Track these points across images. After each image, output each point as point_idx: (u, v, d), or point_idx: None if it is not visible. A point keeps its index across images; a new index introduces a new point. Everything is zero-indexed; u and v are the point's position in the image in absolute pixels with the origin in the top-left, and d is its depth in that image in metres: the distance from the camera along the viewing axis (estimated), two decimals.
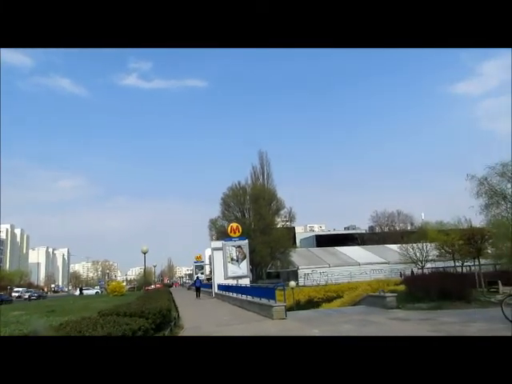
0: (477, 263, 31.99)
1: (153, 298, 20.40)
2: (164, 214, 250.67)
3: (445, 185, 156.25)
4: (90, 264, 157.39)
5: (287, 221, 57.96)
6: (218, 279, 27.87)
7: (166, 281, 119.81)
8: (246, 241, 26.50)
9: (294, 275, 51.98)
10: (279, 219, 58.12)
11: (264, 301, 16.45)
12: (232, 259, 25.48)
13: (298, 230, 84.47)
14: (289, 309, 33.03)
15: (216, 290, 29.81)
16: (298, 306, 33.34)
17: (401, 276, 47.32)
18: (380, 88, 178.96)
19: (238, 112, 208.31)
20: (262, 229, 53.51)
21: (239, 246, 25.53)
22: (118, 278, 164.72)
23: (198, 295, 32.16)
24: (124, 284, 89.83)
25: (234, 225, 26.87)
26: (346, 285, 40.11)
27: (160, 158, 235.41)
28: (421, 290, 16.75)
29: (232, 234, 26.09)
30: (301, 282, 49.73)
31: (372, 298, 16.78)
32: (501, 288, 20.66)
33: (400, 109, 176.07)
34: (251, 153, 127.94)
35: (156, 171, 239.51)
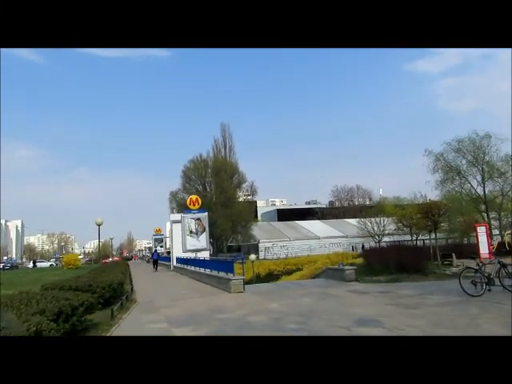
0: (432, 237, 33.00)
1: (106, 271, 19.51)
2: (125, 187, 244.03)
3: (402, 161, 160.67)
4: (45, 237, 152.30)
5: (249, 194, 57.57)
6: (177, 252, 27.13)
7: (126, 254, 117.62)
8: (206, 213, 25.68)
9: (255, 249, 51.99)
10: (241, 193, 57.63)
11: (222, 274, 15.92)
12: (191, 232, 24.68)
13: (260, 204, 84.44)
14: (248, 282, 32.86)
15: (175, 263, 29.10)
16: (258, 279, 33.31)
17: (353, 249, 48.44)
18: (341, 65, 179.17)
19: (202, 84, 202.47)
20: (224, 202, 52.82)
21: (198, 219, 24.69)
22: (76, 251, 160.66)
23: (155, 268, 32.20)
24: (81, 257, 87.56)
25: (194, 197, 25.92)
26: (306, 258, 40.46)
27: (121, 130, 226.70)
28: (379, 263, 16.73)
29: (191, 207, 25.15)
30: (261, 255, 49.86)
31: (331, 271, 16.61)
32: (454, 261, 21.09)
33: (361, 86, 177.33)
34: (214, 127, 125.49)
35: (117, 144, 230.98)
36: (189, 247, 24.59)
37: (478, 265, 11.05)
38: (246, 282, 32.55)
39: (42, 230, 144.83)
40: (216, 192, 53.13)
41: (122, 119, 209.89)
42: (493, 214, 39.14)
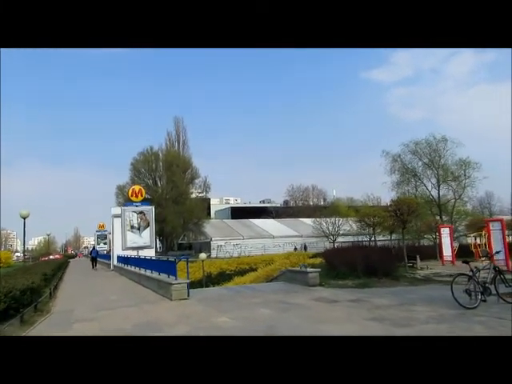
0: (394, 238, 31.68)
1: (28, 272, 16.23)
2: (73, 183, 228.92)
3: (355, 164, 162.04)
4: None
5: (202, 191, 54.56)
6: (118, 250, 23.85)
7: (70, 251, 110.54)
8: (151, 207, 22.44)
9: (207, 247, 49.25)
10: (194, 189, 54.55)
11: (163, 277, 13.12)
12: (132, 227, 21.40)
13: (214, 202, 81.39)
14: (198, 282, 30.34)
15: (115, 262, 25.74)
16: (209, 279, 30.67)
17: (295, 250, 47.02)
18: (301, 69, 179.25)
19: (156, 77, 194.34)
20: (175, 198, 49.66)
21: (141, 212, 21.45)
22: (18, 248, 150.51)
23: (93, 266, 30.62)
24: (19, 254, 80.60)
25: (137, 187, 22.56)
26: (260, 257, 38.27)
27: (69, 124, 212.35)
28: (344, 265, 14.57)
29: (133, 199, 21.80)
30: (213, 253, 47.20)
31: (291, 273, 14.24)
32: (419, 263, 19.48)
33: (319, 90, 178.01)
34: (168, 122, 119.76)
35: (65, 137, 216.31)
36: (129, 244, 21.31)
37: (471, 271, 9.03)
38: (196, 282, 30.02)
39: None
40: (167, 187, 49.85)
41: (71, 111, 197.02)
42: (445, 218, 38.75)
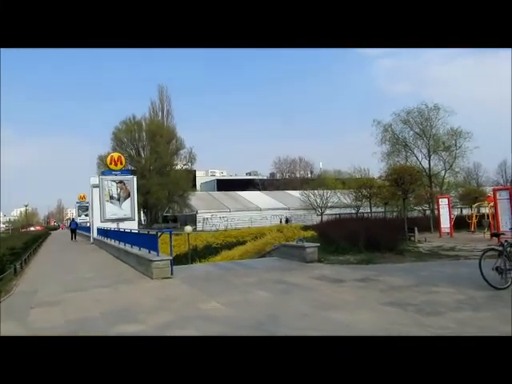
0: (385, 209, 30.50)
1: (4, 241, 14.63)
2: (56, 152, 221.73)
3: (342, 137, 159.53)
4: None
5: (187, 162, 52.46)
6: (98, 222, 22.10)
7: (53, 223, 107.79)
8: (131, 176, 20.46)
9: (193, 219, 47.72)
10: (178, 161, 52.39)
11: (143, 252, 11.56)
12: (111, 197, 19.50)
13: (199, 174, 79.12)
14: (184, 256, 28.88)
15: (95, 234, 24.03)
16: (195, 253, 29.26)
17: (281, 222, 45.93)
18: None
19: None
20: (159, 169, 47.60)
21: (121, 182, 19.50)
22: (1, 219, 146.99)
23: (72, 238, 30.20)
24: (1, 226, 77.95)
25: (116, 154, 20.46)
26: (247, 230, 36.98)
27: (49, 90, 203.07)
28: (343, 238, 13.19)
29: (112, 167, 19.73)
30: (199, 226, 45.74)
31: (286, 248, 12.81)
32: (417, 235, 18.30)
33: (303, 61, 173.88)
34: (152, 91, 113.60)
35: (45, 105, 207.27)
36: (108, 216, 19.46)
37: (502, 245, 7.68)
38: (181, 256, 28.55)
39: None
40: (151, 158, 47.64)
41: (52, 74, 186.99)
42: (435, 189, 37.74)
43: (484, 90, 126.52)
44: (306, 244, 11.93)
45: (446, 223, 20.40)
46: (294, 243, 12.61)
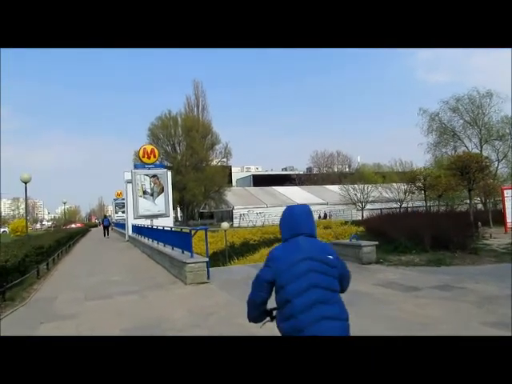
0: (439, 203, 27.91)
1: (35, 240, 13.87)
2: (97, 151, 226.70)
3: (380, 130, 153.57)
4: (10, 201, 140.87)
5: (223, 157, 51.34)
6: (132, 219, 21.08)
7: (94, 220, 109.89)
8: (165, 170, 19.07)
9: (229, 215, 46.62)
10: (214, 156, 51.36)
11: (176, 252, 10.16)
12: (145, 192, 18.24)
13: (235, 170, 77.98)
14: (221, 253, 27.56)
15: (130, 232, 23.07)
16: (232, 249, 27.91)
17: (319, 218, 43.78)
18: None
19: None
20: (195, 165, 46.70)
21: (155, 176, 18.18)
22: (46, 217, 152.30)
23: (105, 234, 30.65)
24: (45, 223, 79.75)
25: (149, 147, 19.17)
26: None
27: (88, 90, 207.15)
28: (403, 235, 11.29)
29: (145, 160, 18.42)
30: (236, 223, 44.53)
31: (338, 246, 11.05)
32: (481, 231, 16.03)
33: (340, 55, 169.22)
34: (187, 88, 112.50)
35: (86, 105, 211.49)
36: (142, 212, 18.20)
37: None
38: (218, 253, 27.25)
39: (5, 194, 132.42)
40: (186, 153, 46.75)
41: (102, 77, 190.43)
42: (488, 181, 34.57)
43: None
44: (363, 242, 10.15)
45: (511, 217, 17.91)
46: (347, 241, 10.84)
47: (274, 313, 2.60)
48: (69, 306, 7.25)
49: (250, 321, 2.71)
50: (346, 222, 27.83)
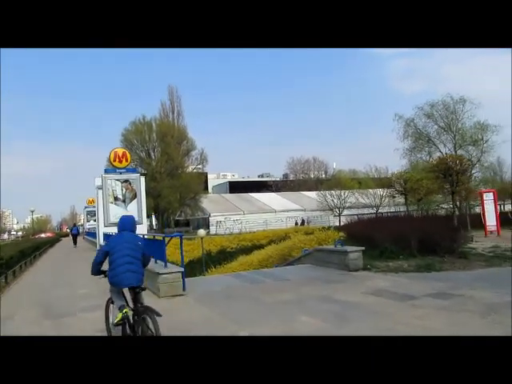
0: (419, 207, 27.87)
1: None
2: (68, 158, 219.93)
3: (355, 137, 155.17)
4: None
5: (199, 164, 50.34)
6: (103, 226, 19.96)
7: (66, 229, 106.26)
8: (138, 174, 18.03)
9: (205, 223, 45.58)
10: (190, 162, 50.31)
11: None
12: (116, 199, 17.10)
13: (211, 177, 76.86)
14: (197, 261, 26.61)
15: (102, 240, 21.89)
16: (209, 257, 27.04)
17: (296, 224, 43.37)
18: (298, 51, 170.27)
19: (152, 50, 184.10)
20: (170, 171, 45.56)
21: (126, 181, 17.07)
22: (15, 227, 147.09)
23: (74, 243, 30.13)
24: (14, 233, 76.58)
25: (120, 150, 17.95)
26: (262, 233, 34.68)
27: (58, 95, 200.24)
28: (388, 240, 10.80)
29: (116, 164, 17.24)
30: (212, 230, 43.54)
31: (322, 253, 10.48)
32: (463, 234, 15.77)
33: (315, 62, 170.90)
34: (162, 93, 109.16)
35: (55, 111, 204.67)
36: (113, 219, 16.96)
37: None
38: (195, 261, 26.33)
39: None
40: (161, 159, 45.54)
41: (54, 78, 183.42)
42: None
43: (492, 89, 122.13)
44: (349, 248, 9.58)
45: (491, 220, 17.82)
46: (332, 247, 10.26)
47: (107, 273, 4.55)
48: (23, 326, 6.33)
49: (92, 274, 4.70)
50: (329, 228, 27.47)
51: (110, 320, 5.05)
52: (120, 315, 4.35)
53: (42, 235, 60.48)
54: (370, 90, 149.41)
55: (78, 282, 10.69)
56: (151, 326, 4.16)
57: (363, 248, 9.66)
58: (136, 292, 4.49)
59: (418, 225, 11.03)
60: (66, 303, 8.02)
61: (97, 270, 4.67)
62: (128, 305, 4.64)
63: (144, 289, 4.62)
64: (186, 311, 6.66)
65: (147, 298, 7.68)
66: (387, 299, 6.58)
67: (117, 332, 4.75)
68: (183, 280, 8.11)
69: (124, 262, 4.38)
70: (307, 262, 11.11)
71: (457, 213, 20.80)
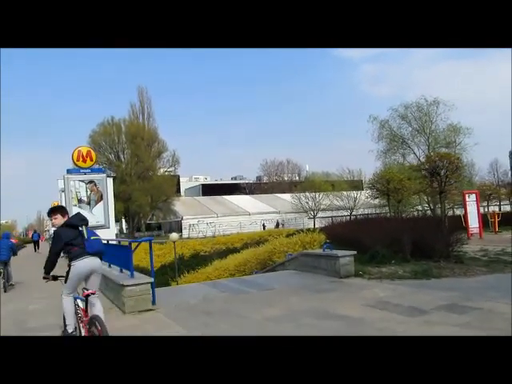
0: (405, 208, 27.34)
1: None
2: (37, 162, 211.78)
3: (328, 139, 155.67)
4: None
5: (170, 166, 48.77)
6: None
7: (31, 235, 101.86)
8: (104, 175, 16.32)
9: (178, 226, 44.11)
10: (161, 164, 48.64)
11: (113, 271, 8.07)
12: (80, 201, 15.52)
13: (183, 180, 75.09)
14: (170, 266, 25.18)
15: None
16: (182, 261, 25.72)
17: (264, 228, 42.48)
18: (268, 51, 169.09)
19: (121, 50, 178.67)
20: (141, 174, 43.92)
21: (91, 182, 15.58)
22: None
23: (35, 249, 30.11)
24: None
25: (84, 149, 16.32)
26: (237, 236, 33.56)
27: (23, 95, 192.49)
28: (379, 243, 9.91)
29: (80, 164, 15.63)
30: (185, 233, 42.13)
31: (309, 257, 9.48)
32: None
33: (286, 65, 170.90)
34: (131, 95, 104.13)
35: (19, 111, 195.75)
36: None
37: None
38: (167, 267, 24.85)
39: None
40: (131, 161, 43.87)
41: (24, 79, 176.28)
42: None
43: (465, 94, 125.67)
44: (340, 253, 8.61)
45: (474, 223, 17.33)
46: (320, 251, 9.26)
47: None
48: None
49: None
50: (309, 230, 26.69)
51: None
52: None
53: None
54: (342, 93, 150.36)
55: (30, 295, 9.30)
56: None
57: (355, 252, 8.70)
58: None
59: (409, 227, 10.19)
60: (12, 322, 6.66)
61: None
62: None
63: None
64: (156, 330, 5.47)
65: (109, 315, 6.48)
66: (393, 313, 5.60)
67: None
68: (153, 292, 6.91)
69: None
70: (291, 267, 10.06)
71: (431, 215, 20.35)
